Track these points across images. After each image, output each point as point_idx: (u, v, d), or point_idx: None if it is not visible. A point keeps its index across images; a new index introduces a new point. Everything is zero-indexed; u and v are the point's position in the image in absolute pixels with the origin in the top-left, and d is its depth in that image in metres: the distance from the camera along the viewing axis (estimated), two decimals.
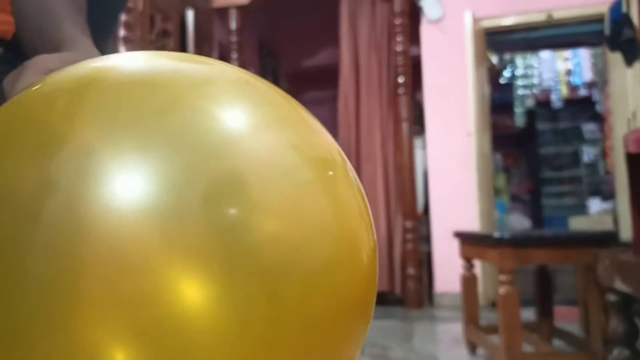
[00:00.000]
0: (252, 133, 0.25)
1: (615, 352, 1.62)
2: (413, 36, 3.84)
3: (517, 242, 1.77)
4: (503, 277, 1.77)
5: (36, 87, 0.27)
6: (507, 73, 5.62)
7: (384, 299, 3.64)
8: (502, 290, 1.76)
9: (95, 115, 0.23)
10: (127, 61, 0.28)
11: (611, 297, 1.65)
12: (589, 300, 1.84)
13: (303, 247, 0.23)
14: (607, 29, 3.46)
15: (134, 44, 2.77)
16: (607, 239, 1.78)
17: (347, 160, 0.31)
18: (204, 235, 0.21)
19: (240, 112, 0.26)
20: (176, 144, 0.23)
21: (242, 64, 3.97)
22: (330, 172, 0.28)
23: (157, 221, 0.21)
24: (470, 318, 2.21)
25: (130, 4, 2.76)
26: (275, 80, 5.48)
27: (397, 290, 3.58)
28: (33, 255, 0.21)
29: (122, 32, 2.70)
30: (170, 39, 3.18)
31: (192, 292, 0.21)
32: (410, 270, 3.49)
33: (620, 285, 1.52)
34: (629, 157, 1.54)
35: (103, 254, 0.21)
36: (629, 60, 3.26)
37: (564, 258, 1.82)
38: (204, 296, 0.21)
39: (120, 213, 0.21)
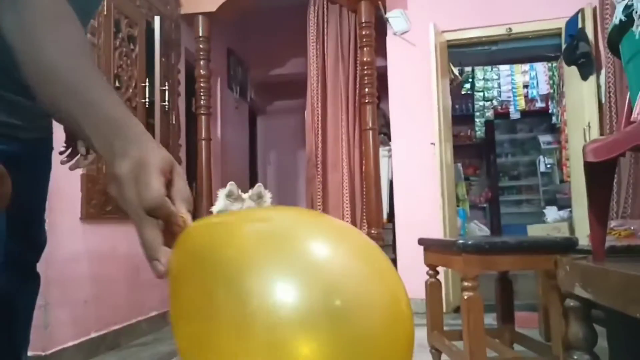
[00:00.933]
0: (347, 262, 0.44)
1: (576, 356, 1.67)
2: (379, 48, 3.90)
3: (481, 248, 1.80)
4: (467, 284, 1.80)
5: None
6: (467, 85, 5.78)
7: None
8: (466, 296, 1.79)
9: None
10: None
11: (571, 303, 1.70)
12: (549, 306, 1.90)
13: (379, 319, 0.42)
14: (563, 43, 3.62)
15: (96, 49, 2.70)
16: (568, 246, 1.84)
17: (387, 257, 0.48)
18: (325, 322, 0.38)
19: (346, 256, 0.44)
20: (310, 277, 0.40)
21: (210, 72, 3.93)
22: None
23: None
24: (435, 324, 2.24)
25: None
26: (243, 88, 5.45)
27: None
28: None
29: None
30: (136, 45, 3.12)
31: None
32: None
33: (580, 291, 1.58)
34: (587, 166, 1.59)
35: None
36: (585, 74, 3.42)
37: (527, 264, 1.86)
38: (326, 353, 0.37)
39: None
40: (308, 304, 0.38)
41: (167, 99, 3.35)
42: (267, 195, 1.89)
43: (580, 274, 1.58)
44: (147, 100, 3.17)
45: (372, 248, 0.46)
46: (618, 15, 1.56)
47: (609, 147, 1.47)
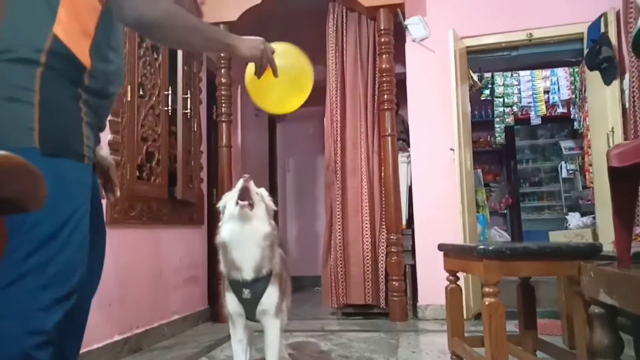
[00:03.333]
0: None
1: None
2: (398, 54, 3.91)
3: (502, 254, 1.79)
4: (488, 289, 1.79)
5: None
6: (487, 91, 5.73)
7: (369, 312, 3.65)
8: (487, 302, 1.78)
9: None
10: None
11: (596, 310, 1.68)
12: (573, 313, 1.87)
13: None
14: (586, 48, 3.58)
15: None
16: (591, 252, 1.81)
17: None
18: None
19: None
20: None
21: (231, 80, 3.99)
22: None
23: None
24: (455, 330, 2.23)
25: None
26: None
27: (382, 303, 3.59)
28: None
29: None
30: (159, 54, 3.18)
31: None
32: (395, 283, 3.51)
33: (605, 297, 1.55)
34: (611, 171, 1.58)
35: None
36: (608, 79, 3.38)
37: (549, 270, 1.85)
38: None
39: None
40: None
41: (189, 106, 3.40)
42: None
43: (605, 280, 1.56)
44: (169, 107, 3.23)
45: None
46: None
47: (634, 152, 1.46)
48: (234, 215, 1.79)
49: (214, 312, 3.68)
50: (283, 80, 1.68)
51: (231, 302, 1.84)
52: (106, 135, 2.58)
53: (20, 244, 1.10)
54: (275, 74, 1.59)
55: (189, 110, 3.39)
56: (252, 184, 1.82)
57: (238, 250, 1.76)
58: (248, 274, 1.76)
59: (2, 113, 1.20)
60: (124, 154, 2.72)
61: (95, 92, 1.36)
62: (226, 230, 1.79)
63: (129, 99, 2.80)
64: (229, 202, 1.84)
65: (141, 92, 2.95)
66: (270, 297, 1.81)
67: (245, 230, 1.76)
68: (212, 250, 3.73)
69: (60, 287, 1.14)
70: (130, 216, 2.76)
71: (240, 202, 1.76)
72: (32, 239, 1.12)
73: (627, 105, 3.19)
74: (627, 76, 3.18)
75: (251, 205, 1.78)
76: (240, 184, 1.80)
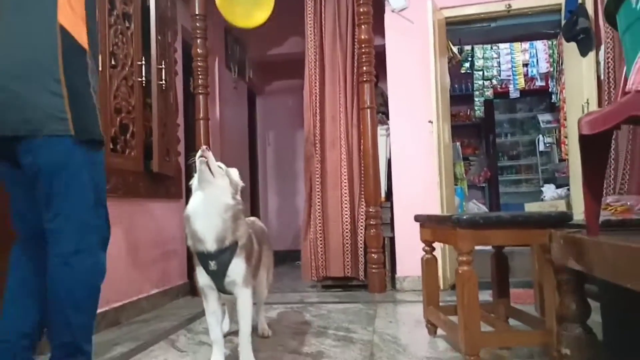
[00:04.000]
0: None
1: (569, 329, 1.69)
2: (377, 26, 3.86)
3: (475, 223, 1.81)
4: (462, 258, 1.81)
5: None
6: (467, 64, 5.73)
7: (348, 284, 3.69)
8: (460, 270, 1.80)
9: None
10: None
11: (565, 276, 1.72)
12: (543, 280, 1.91)
13: None
14: (563, 19, 3.58)
15: None
16: (561, 220, 1.85)
17: None
18: None
19: None
20: None
21: (207, 51, 3.90)
22: None
23: None
24: (430, 299, 2.27)
25: None
26: (241, 68, 5.41)
27: (361, 275, 3.63)
28: None
29: None
30: (131, 22, 3.09)
31: None
32: (373, 255, 3.55)
33: (573, 263, 1.59)
34: (582, 138, 1.59)
35: None
36: (584, 51, 3.39)
37: (521, 239, 1.87)
38: None
39: None
40: None
41: (164, 77, 3.32)
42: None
43: (574, 247, 1.59)
44: (143, 79, 3.15)
45: None
46: None
47: (604, 119, 1.46)
48: (195, 184, 1.82)
49: (193, 286, 3.67)
50: None
51: (200, 275, 1.86)
52: None
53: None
54: None
55: (164, 82, 3.31)
56: (210, 155, 1.82)
57: (199, 221, 1.76)
58: (211, 246, 1.76)
59: (39, 102, 1.44)
60: None
61: (93, 72, 1.52)
62: (190, 202, 1.82)
63: (100, 69, 2.71)
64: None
65: (113, 62, 2.86)
66: (237, 267, 1.82)
67: (206, 200, 1.78)
68: None
69: None
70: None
71: (201, 157, 1.77)
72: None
73: (602, 77, 3.22)
74: (602, 47, 3.20)
75: (209, 167, 1.78)
76: (198, 153, 1.80)
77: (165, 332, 2.57)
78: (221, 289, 1.87)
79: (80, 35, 1.50)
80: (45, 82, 1.46)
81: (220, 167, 1.86)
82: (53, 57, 1.47)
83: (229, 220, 1.78)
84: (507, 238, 1.88)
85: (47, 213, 1.53)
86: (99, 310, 2.59)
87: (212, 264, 1.79)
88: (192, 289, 3.70)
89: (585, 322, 1.69)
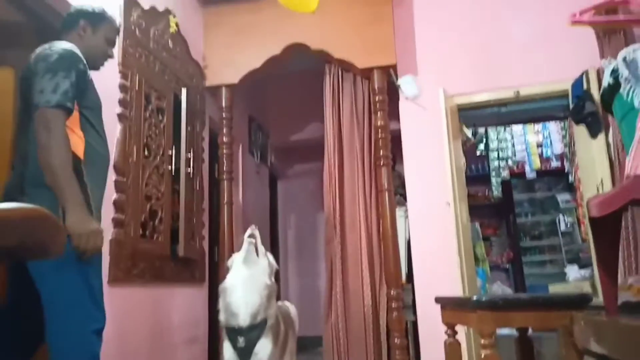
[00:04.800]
0: None
1: None
2: (393, 111, 4.08)
3: (496, 305, 1.83)
4: (484, 341, 1.82)
5: None
6: (482, 145, 5.89)
7: None
8: (483, 354, 1.80)
9: None
10: None
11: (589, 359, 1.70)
12: None
13: None
14: (570, 103, 3.74)
15: (128, 121, 2.91)
16: (582, 301, 1.85)
17: None
18: None
19: None
20: None
21: (232, 139, 4.14)
22: None
23: None
24: None
25: (126, 83, 2.93)
26: (264, 153, 5.67)
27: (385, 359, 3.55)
28: None
29: (118, 109, 2.84)
30: (164, 115, 3.35)
31: None
32: (396, 340, 3.48)
33: (595, 346, 1.58)
34: (592, 220, 1.65)
35: None
36: (593, 132, 3.51)
37: (542, 320, 1.88)
38: None
39: None
40: None
41: (191, 165, 3.53)
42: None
43: (594, 329, 1.59)
44: (173, 167, 3.35)
45: None
46: (607, 79, 1.68)
47: (610, 202, 1.53)
48: (239, 260, 1.98)
49: None
50: None
51: (227, 351, 1.93)
52: (111, 195, 2.67)
53: None
54: (84, 257, 1.66)
55: (191, 169, 3.51)
56: (258, 235, 1.99)
57: (238, 294, 1.90)
58: (244, 320, 1.87)
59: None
60: (128, 212, 2.80)
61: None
62: (229, 277, 1.97)
63: (134, 159, 2.92)
64: (236, 255, 2.01)
65: (146, 153, 3.07)
66: (264, 348, 1.89)
67: (247, 276, 1.93)
68: (213, 309, 3.73)
69: None
70: (133, 274, 2.81)
71: (249, 237, 1.97)
72: None
73: (613, 158, 3.30)
74: (610, 129, 3.31)
75: (256, 249, 1.96)
76: (248, 232, 2.01)
77: None
78: None
79: (77, 149, 1.70)
80: None
81: (263, 247, 2.03)
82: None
83: (264, 298, 1.91)
84: (528, 320, 1.89)
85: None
86: None
87: (241, 341, 1.87)
88: None
89: None
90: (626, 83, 1.71)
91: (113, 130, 2.71)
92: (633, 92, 1.56)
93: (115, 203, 2.69)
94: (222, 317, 1.94)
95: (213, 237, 4.00)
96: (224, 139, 4.05)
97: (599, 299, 2.00)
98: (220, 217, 3.94)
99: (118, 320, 2.65)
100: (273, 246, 5.85)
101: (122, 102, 2.88)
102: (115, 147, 2.74)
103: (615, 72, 1.67)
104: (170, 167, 3.33)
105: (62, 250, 1.15)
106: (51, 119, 1.61)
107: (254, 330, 1.87)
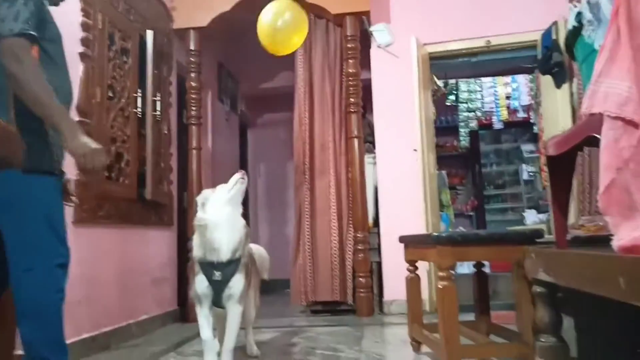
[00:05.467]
0: None
1: (543, 339, 1.78)
2: (364, 60, 4.05)
3: (455, 240, 1.92)
4: (442, 274, 1.91)
5: None
6: (452, 96, 5.95)
7: (336, 309, 3.74)
8: (441, 285, 1.90)
9: None
10: None
11: (538, 289, 1.82)
12: (520, 295, 2.00)
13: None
14: (539, 54, 3.79)
15: (91, 60, 2.81)
16: (534, 236, 1.96)
17: None
18: None
19: None
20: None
21: (201, 84, 4.06)
22: None
23: None
24: (415, 317, 2.34)
25: (89, 22, 2.81)
26: (233, 101, 5.58)
27: (349, 299, 3.69)
28: None
29: (80, 48, 2.74)
30: (129, 57, 3.24)
31: None
32: (361, 280, 3.62)
33: (544, 275, 1.69)
34: (549, 160, 1.73)
35: None
36: (558, 83, 3.58)
37: (497, 254, 1.98)
38: None
39: None
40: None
41: (158, 109, 3.46)
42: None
43: (544, 260, 1.70)
44: (139, 110, 3.28)
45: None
46: (571, 22, 1.71)
47: (566, 141, 1.60)
48: (224, 200, 2.06)
49: (184, 313, 3.71)
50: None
51: (201, 284, 2.02)
52: None
53: None
54: (92, 176, 1.69)
55: (158, 113, 3.45)
56: (246, 177, 2.16)
57: (221, 232, 1.98)
58: (225, 255, 1.97)
59: None
60: None
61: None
62: (211, 215, 2.02)
63: (98, 100, 2.85)
64: (218, 190, 2.11)
65: (110, 94, 3.00)
66: (238, 282, 2.01)
67: (232, 214, 2.04)
68: (182, 252, 3.77)
69: None
70: (99, 216, 2.80)
71: (242, 179, 2.11)
72: None
73: (575, 107, 3.39)
74: (575, 80, 3.39)
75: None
76: (238, 175, 2.14)
77: (154, 355, 2.61)
78: (216, 301, 2.03)
79: None
80: None
81: None
82: (3, 97, 1.60)
83: (244, 236, 2.04)
84: (485, 254, 1.99)
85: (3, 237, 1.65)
86: (89, 334, 2.64)
87: (217, 274, 1.97)
88: (182, 316, 3.73)
89: (558, 333, 1.78)
90: (589, 25, 1.75)
91: (75, 70, 2.62)
92: (595, 34, 1.60)
93: None
94: (198, 252, 2.01)
95: (182, 183, 3.98)
96: (192, 84, 3.97)
97: (552, 238, 2.12)
98: (189, 162, 3.91)
99: (85, 262, 2.66)
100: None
101: (84, 41, 2.77)
102: (77, 87, 2.67)
103: (579, 15, 1.70)
104: (136, 110, 3.26)
105: (21, 163, 1.42)
106: (19, 49, 1.54)
107: (231, 266, 1.98)
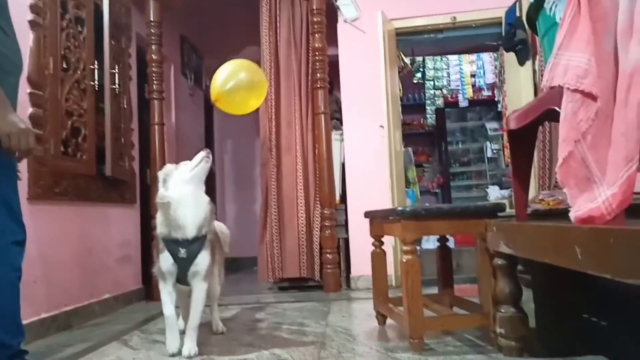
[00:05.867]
0: None
1: (503, 310, 1.83)
2: (331, 36, 3.99)
3: (418, 214, 1.93)
4: (406, 247, 1.92)
5: None
6: (419, 74, 5.97)
7: (304, 285, 3.76)
8: (405, 259, 1.91)
9: None
10: None
11: (499, 261, 1.85)
12: (481, 267, 2.04)
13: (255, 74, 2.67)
14: (503, 31, 3.82)
15: (42, 29, 2.67)
16: (495, 210, 1.99)
17: None
18: None
19: None
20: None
21: (162, 57, 3.92)
22: None
23: None
24: (380, 292, 2.37)
25: None
26: (198, 76, 5.43)
27: (317, 275, 3.70)
28: None
29: (29, 16, 2.59)
30: (84, 27, 3.09)
31: None
32: (328, 256, 3.63)
33: (504, 247, 1.72)
34: (510, 133, 1.74)
35: None
36: (522, 60, 3.62)
37: (460, 228, 2.00)
38: None
39: None
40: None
41: (117, 82, 3.33)
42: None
43: (504, 233, 1.73)
44: (96, 83, 3.15)
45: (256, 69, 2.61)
46: None
47: (526, 114, 1.62)
48: (186, 178, 2.02)
49: (148, 291, 3.65)
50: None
51: (166, 261, 1.99)
52: (27, 109, 2.49)
53: None
54: (18, 159, 1.60)
55: (117, 86, 3.32)
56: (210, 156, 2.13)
57: (185, 208, 1.96)
58: (190, 232, 1.94)
59: None
60: (47, 128, 2.63)
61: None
62: (175, 190, 1.99)
63: (51, 71, 2.70)
64: (181, 167, 2.08)
65: (65, 66, 2.85)
66: (203, 259, 2.00)
67: (195, 192, 2.02)
68: (146, 230, 3.69)
69: None
70: (55, 192, 2.69)
71: (207, 157, 2.07)
72: None
73: (538, 84, 3.45)
74: (537, 57, 3.43)
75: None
76: (203, 153, 2.09)
77: (118, 333, 2.56)
78: (181, 278, 2.02)
79: None
80: None
81: None
82: None
83: (209, 213, 2.02)
84: (448, 228, 2.01)
85: None
86: (48, 314, 2.57)
87: (183, 252, 1.95)
88: (147, 294, 3.67)
89: (517, 304, 1.83)
90: None
91: (25, 39, 2.48)
92: (555, 6, 1.60)
93: (31, 117, 2.51)
94: (163, 229, 1.98)
95: (145, 160, 3.87)
96: (153, 57, 3.83)
97: (514, 212, 2.15)
98: (151, 138, 3.80)
99: (43, 240, 2.57)
100: (209, 172, 5.76)
101: (33, 8, 2.61)
102: (28, 57, 2.53)
103: None
104: (93, 82, 3.13)
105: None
106: None
107: (196, 243, 1.97)
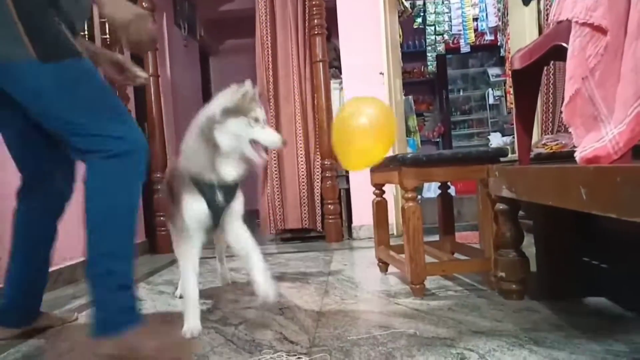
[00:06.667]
0: None
1: (504, 254, 1.83)
2: None
3: (419, 161, 1.90)
4: (407, 195, 1.91)
5: None
6: (419, 19, 5.78)
7: (306, 236, 3.79)
8: (406, 206, 1.90)
9: None
10: None
11: (500, 206, 1.84)
12: (483, 212, 2.03)
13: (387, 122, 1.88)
14: None
15: None
16: (498, 155, 1.96)
17: None
18: None
19: None
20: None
21: (153, 5, 3.78)
22: None
23: None
24: (381, 240, 2.37)
25: None
26: (192, 26, 5.27)
27: (318, 226, 3.73)
28: None
29: None
30: None
31: None
32: (330, 206, 3.64)
33: (506, 192, 1.70)
34: (514, 74, 1.68)
35: None
36: (526, 0, 3.48)
37: (462, 174, 1.98)
38: None
39: None
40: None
41: (107, 31, 3.22)
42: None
43: (507, 177, 1.70)
44: (86, 33, 3.05)
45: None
46: None
47: (531, 52, 1.55)
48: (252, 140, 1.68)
49: (152, 244, 3.69)
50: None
51: (197, 209, 1.61)
52: None
53: None
54: (140, 51, 1.41)
55: (107, 36, 3.22)
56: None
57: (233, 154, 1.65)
58: (234, 175, 1.65)
59: None
60: None
61: None
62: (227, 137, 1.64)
63: None
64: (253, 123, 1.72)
65: None
66: (240, 202, 1.74)
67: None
68: (147, 182, 3.67)
69: None
70: None
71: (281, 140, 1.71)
72: None
73: (543, 25, 3.33)
74: None
75: None
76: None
77: None
78: (216, 223, 1.69)
79: None
80: None
81: None
82: None
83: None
84: (449, 174, 1.98)
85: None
86: (56, 267, 2.59)
87: (220, 198, 1.64)
88: (151, 247, 3.71)
89: (518, 248, 1.83)
90: None
91: None
92: None
93: None
94: (194, 169, 1.62)
95: (141, 113, 3.81)
96: (143, 4, 3.69)
97: (516, 157, 2.12)
98: (146, 90, 3.73)
99: None
100: None
101: None
102: None
103: None
104: (83, 33, 3.02)
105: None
106: None
107: (235, 187, 1.70)
